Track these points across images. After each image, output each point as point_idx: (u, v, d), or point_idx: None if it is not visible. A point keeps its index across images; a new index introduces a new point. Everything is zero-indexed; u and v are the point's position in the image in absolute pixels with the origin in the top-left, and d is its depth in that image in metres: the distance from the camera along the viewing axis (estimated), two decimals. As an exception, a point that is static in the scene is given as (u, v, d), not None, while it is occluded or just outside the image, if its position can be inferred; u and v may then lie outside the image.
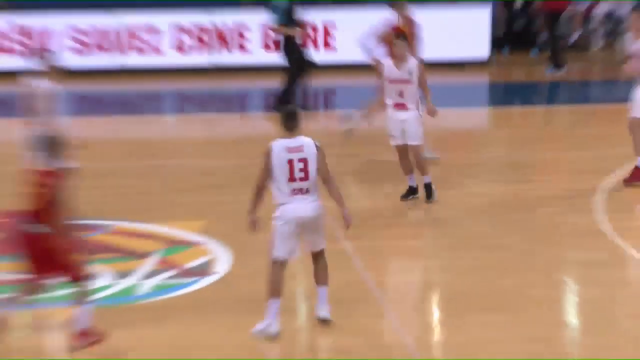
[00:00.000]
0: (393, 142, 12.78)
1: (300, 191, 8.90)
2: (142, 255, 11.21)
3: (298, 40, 17.90)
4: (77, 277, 8.70)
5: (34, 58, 12.47)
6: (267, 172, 8.92)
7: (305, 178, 8.88)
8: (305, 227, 8.97)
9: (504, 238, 11.77)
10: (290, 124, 9.05)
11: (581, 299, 10.36)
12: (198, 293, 10.18)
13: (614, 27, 23.85)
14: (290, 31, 17.68)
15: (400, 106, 12.54)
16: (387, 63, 12.68)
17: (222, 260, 11.00)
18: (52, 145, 8.62)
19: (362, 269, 10.79)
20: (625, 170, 13.68)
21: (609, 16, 23.89)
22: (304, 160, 8.89)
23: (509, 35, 23.59)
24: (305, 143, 9.00)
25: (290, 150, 8.92)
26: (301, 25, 17.98)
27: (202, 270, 10.81)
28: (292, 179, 8.88)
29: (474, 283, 10.33)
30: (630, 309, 9.78)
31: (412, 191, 12.98)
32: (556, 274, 10.79)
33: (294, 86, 17.94)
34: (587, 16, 24.02)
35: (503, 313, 9.54)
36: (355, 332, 9.09)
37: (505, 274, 10.65)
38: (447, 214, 12.66)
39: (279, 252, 8.91)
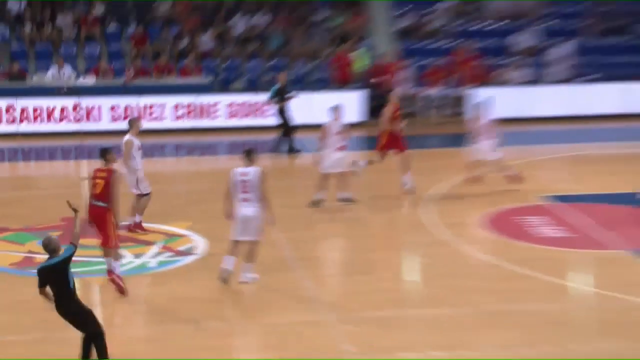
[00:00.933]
0: None
1: (246, 200, 13.25)
2: (150, 243, 15.59)
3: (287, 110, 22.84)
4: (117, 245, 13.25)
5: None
6: (229, 187, 13.35)
7: (249, 192, 13.13)
8: (246, 223, 13.46)
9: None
10: (246, 158, 13.17)
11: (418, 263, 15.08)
12: (187, 265, 14.53)
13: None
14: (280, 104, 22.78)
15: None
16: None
17: (201, 245, 15.44)
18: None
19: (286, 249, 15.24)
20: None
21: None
22: (248, 181, 13.15)
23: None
24: (252, 170, 13.08)
25: (242, 174, 13.14)
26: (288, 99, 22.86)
27: (189, 251, 15.19)
28: (240, 192, 13.25)
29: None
30: (446, 269, 14.38)
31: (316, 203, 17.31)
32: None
33: (283, 139, 22.82)
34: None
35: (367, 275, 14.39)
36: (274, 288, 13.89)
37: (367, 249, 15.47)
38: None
39: (232, 235, 13.52)
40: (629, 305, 12.76)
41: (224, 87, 26.88)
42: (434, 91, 26.52)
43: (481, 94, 25.77)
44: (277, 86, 23.15)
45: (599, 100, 26.50)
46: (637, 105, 26.38)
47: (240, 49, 27.95)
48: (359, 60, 26.94)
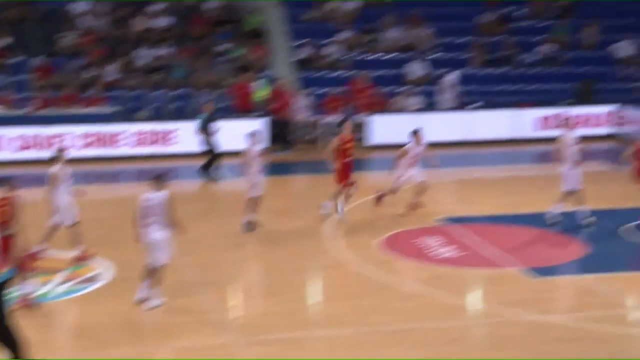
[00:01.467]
0: None
1: (154, 224, 13.06)
2: (57, 271, 15.12)
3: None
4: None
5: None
6: (138, 212, 13.16)
7: (157, 216, 13.08)
8: (154, 246, 13.30)
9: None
10: (155, 184, 13.13)
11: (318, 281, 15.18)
12: (93, 292, 14.31)
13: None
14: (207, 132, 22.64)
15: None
16: None
17: (108, 271, 15.19)
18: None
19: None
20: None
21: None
22: (156, 206, 13.12)
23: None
24: (159, 195, 13.03)
25: (150, 199, 13.07)
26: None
27: (95, 278, 14.93)
28: (149, 217, 13.20)
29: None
30: (348, 290, 14.54)
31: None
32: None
33: (211, 164, 22.66)
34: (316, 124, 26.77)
35: (273, 297, 14.40)
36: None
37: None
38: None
39: (146, 260, 13.48)
40: (520, 320, 12.98)
41: (129, 116, 26.51)
42: (333, 118, 26.67)
43: (378, 121, 26.22)
44: (204, 115, 23.01)
45: (486, 126, 27.02)
46: (521, 131, 26.95)
47: (145, 79, 27.70)
48: (260, 89, 26.97)
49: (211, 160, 22.92)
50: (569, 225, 17.38)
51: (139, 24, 29.08)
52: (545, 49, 29.78)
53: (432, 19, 30.49)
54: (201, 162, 23.01)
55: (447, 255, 16.08)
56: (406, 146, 18.50)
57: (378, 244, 16.84)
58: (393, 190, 18.67)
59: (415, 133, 18.61)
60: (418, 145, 18.54)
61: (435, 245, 16.63)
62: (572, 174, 17.38)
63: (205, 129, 22.91)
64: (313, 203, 19.27)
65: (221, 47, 28.99)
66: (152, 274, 13.39)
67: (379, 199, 18.84)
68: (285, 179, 23.11)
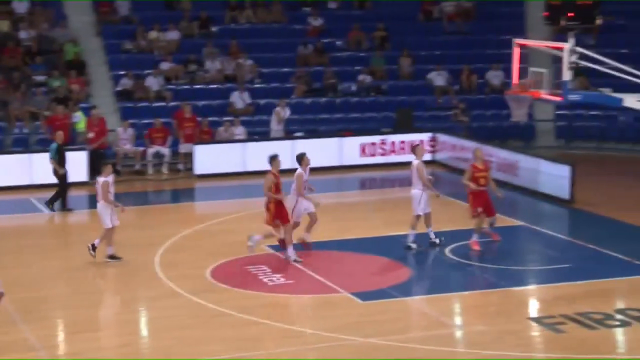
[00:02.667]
0: None
1: None
2: None
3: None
4: None
5: None
6: None
7: None
8: None
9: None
10: None
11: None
12: None
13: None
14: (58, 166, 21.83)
15: None
16: None
17: None
18: None
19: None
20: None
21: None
22: None
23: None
24: None
25: None
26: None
27: None
28: None
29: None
30: (177, 321, 14.35)
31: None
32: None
33: (61, 194, 21.90)
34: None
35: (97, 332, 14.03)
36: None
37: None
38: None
39: None
40: (349, 344, 13.20)
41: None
42: (157, 149, 26.39)
43: (202, 151, 26.12)
44: (55, 145, 22.21)
45: (311, 154, 27.26)
46: (345, 158, 27.41)
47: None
48: (78, 121, 26.34)
49: (60, 192, 22.09)
50: (398, 248, 17.78)
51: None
52: (364, 78, 30.54)
53: (252, 50, 30.74)
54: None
55: (275, 282, 16.17)
56: (297, 172, 17.59)
57: (207, 274, 16.73)
58: (295, 224, 17.77)
59: (301, 157, 17.78)
60: (305, 170, 17.76)
61: (264, 274, 16.66)
62: (423, 198, 17.70)
63: (56, 159, 22.04)
64: (143, 234, 19.18)
65: (38, 78, 28.20)
66: None
67: (282, 242, 17.61)
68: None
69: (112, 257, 17.41)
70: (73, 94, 27.86)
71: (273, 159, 17.24)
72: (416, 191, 17.91)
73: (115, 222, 17.27)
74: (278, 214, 17.10)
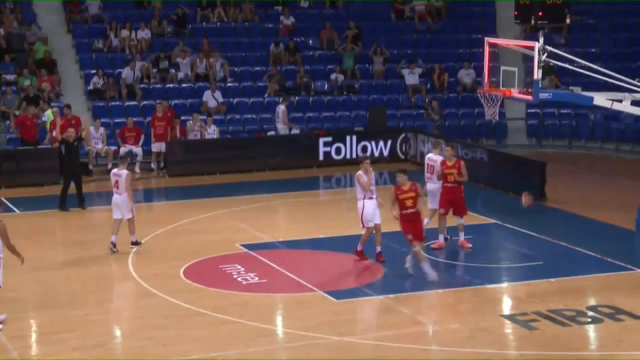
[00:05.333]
0: None
1: None
2: None
3: None
4: None
5: None
6: None
7: None
8: None
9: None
10: None
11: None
12: None
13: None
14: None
15: None
16: None
17: None
18: None
19: None
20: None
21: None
22: None
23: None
24: None
25: None
26: None
27: None
28: None
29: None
30: (151, 321, 14.30)
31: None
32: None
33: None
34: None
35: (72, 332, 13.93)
36: None
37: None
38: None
39: None
40: (324, 343, 13.24)
41: None
42: (129, 148, 26.26)
43: (175, 150, 26.03)
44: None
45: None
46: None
47: None
48: (47, 120, 26.11)
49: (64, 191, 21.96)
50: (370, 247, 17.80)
51: None
52: (337, 77, 30.53)
53: (224, 48, 30.65)
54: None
55: (249, 281, 16.12)
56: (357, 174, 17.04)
57: (181, 273, 16.67)
58: (369, 230, 17.17)
59: (359, 160, 17.38)
60: (365, 173, 17.00)
61: (238, 272, 16.65)
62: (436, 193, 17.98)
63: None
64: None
65: (8, 77, 27.96)
66: None
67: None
68: (81, 210, 22.34)
69: (115, 245, 17.85)
70: (44, 93, 27.60)
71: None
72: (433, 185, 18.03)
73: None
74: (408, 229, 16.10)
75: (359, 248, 17.23)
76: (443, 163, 18.11)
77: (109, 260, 17.60)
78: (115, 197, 17.99)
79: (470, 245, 18.12)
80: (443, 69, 31.31)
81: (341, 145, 27.21)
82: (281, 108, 27.56)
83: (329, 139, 27.18)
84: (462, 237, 18.26)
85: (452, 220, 18.23)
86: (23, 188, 23.59)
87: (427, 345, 13.40)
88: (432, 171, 18.39)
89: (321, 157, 27.01)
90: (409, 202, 16.04)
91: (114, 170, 18.29)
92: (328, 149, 27.14)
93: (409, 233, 15.96)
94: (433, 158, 18.49)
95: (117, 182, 17.96)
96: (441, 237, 18.13)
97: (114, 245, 17.80)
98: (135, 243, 18.18)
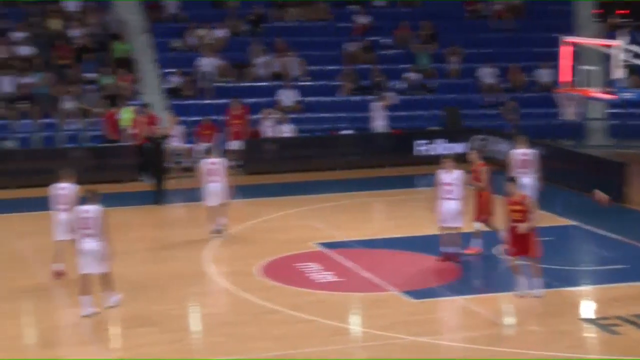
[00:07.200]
0: None
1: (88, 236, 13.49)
2: None
3: None
4: None
5: None
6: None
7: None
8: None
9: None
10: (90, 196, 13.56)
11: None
12: None
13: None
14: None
15: None
16: None
17: None
18: None
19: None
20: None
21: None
22: (90, 219, 13.66)
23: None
24: (92, 208, 13.67)
25: (84, 212, 13.78)
26: None
27: None
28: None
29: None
30: (228, 318, 14.29)
31: None
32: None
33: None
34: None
35: (151, 327, 14.04)
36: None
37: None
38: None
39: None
40: (400, 343, 13.07)
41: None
42: (206, 146, 26.37)
43: (251, 148, 26.13)
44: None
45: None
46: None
47: (10, 109, 26.92)
48: (128, 117, 26.47)
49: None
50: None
51: (0, 52, 28.23)
52: (411, 76, 30.31)
53: (299, 47, 30.63)
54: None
55: (326, 279, 16.04)
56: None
57: (257, 271, 16.64)
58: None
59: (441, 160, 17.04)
60: (446, 170, 16.77)
61: (314, 270, 16.56)
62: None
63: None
64: (190, 231, 19.19)
65: (89, 75, 28.31)
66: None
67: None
68: (160, 207, 22.52)
69: (219, 230, 18.64)
70: (123, 91, 27.95)
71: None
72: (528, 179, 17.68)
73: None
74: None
75: (441, 250, 16.95)
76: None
77: (188, 256, 17.65)
78: (213, 185, 18.29)
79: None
80: (519, 68, 30.84)
81: (426, 143, 26.99)
82: (379, 105, 27.46)
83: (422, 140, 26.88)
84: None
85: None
86: (102, 184, 23.77)
87: (505, 348, 13.13)
88: (525, 165, 17.91)
89: (407, 156, 26.74)
90: (516, 215, 14.76)
91: (209, 160, 18.55)
92: (420, 148, 26.91)
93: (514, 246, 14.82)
94: (526, 152, 18.10)
95: (212, 170, 18.34)
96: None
97: (219, 231, 18.36)
98: (220, 231, 18.48)
